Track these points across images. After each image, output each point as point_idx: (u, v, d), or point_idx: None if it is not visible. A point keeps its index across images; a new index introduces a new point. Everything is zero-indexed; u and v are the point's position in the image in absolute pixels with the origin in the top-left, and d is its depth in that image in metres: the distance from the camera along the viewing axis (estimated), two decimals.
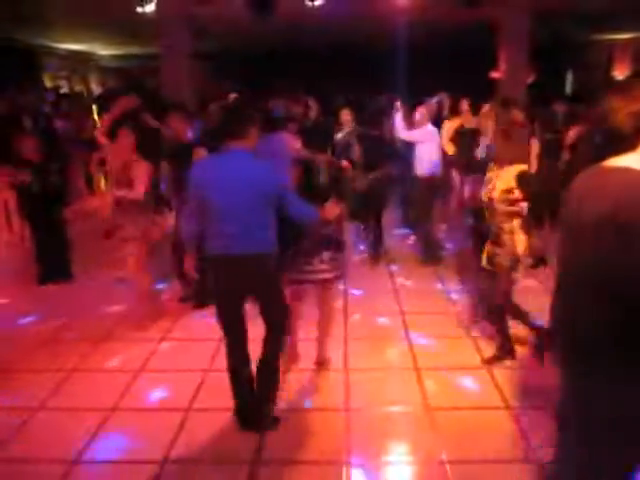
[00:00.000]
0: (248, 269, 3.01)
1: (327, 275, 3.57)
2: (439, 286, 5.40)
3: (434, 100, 7.21)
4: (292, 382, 3.68)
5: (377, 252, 6.13)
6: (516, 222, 3.56)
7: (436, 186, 6.10)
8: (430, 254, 5.97)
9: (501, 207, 3.58)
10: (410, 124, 5.96)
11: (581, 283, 1.72)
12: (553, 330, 1.89)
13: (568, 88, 17.65)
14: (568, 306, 1.80)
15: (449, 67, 14.02)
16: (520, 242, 3.57)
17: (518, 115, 5.12)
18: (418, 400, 3.45)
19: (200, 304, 4.85)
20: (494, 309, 3.91)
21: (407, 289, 5.36)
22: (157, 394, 3.60)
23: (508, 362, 3.84)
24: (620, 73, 15.89)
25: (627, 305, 1.59)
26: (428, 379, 3.69)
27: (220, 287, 3.11)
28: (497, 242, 3.65)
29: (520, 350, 3.95)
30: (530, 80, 11.79)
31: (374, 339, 4.30)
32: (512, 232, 3.57)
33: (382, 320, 4.66)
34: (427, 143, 5.90)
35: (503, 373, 3.73)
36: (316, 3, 6.33)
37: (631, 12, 10.49)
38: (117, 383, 3.72)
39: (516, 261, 3.60)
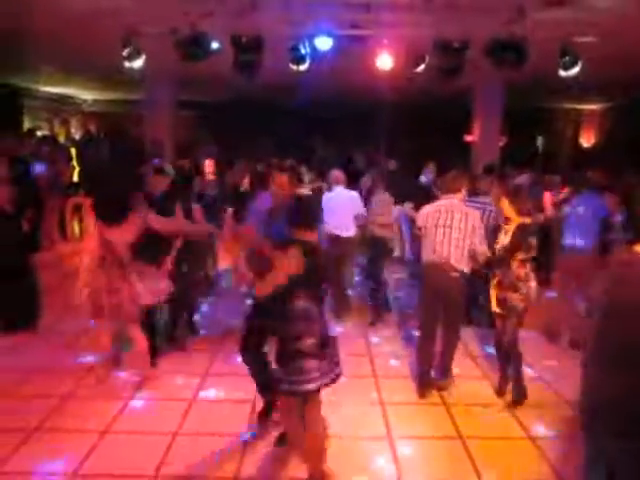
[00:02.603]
0: None
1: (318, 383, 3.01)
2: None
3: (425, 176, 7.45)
4: (261, 455, 3.59)
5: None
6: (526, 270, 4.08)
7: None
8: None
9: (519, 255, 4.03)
10: None
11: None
12: (593, 407, 1.98)
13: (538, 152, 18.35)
14: (615, 383, 1.90)
15: (426, 130, 14.55)
16: (533, 288, 4.10)
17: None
18: (392, 472, 3.39)
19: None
20: (503, 350, 4.30)
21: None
22: (123, 458, 3.46)
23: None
24: (586, 141, 16.65)
25: None
26: (401, 448, 3.63)
27: None
28: (512, 288, 4.05)
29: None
30: (501, 144, 12.24)
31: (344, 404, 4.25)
32: (527, 279, 4.05)
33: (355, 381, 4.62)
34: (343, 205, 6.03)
35: (476, 444, 3.71)
36: (301, 68, 6.53)
37: (597, 86, 11.11)
38: (80, 445, 3.57)
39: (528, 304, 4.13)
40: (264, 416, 3.87)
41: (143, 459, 3.44)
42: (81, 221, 8.30)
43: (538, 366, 4.89)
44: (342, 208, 5.96)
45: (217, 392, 4.36)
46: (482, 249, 4.24)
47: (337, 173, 6.27)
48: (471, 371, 4.88)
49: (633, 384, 1.82)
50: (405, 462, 3.48)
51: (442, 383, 4.46)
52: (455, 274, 4.22)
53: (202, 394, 4.34)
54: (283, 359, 2.98)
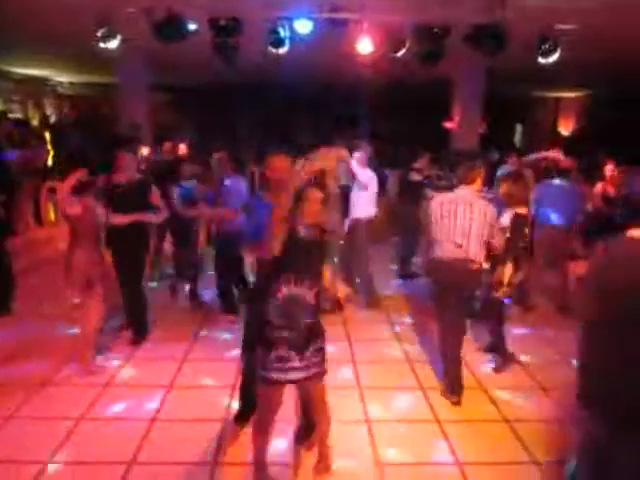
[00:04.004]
0: None
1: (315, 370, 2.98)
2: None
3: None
4: (241, 440, 3.59)
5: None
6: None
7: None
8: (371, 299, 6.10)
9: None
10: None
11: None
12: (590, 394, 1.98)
13: (517, 140, 18.51)
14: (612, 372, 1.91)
15: (406, 115, 14.56)
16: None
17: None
18: (368, 454, 3.42)
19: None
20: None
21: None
22: (100, 444, 3.44)
23: None
24: (565, 129, 16.82)
25: None
26: (378, 431, 3.67)
27: None
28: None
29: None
30: (481, 131, 12.27)
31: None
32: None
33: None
34: (370, 186, 5.98)
35: (454, 427, 3.76)
36: (280, 51, 6.45)
37: (576, 73, 11.20)
38: (57, 432, 3.53)
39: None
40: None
41: (121, 445, 3.42)
42: (55, 205, 8.15)
43: (515, 348, 4.96)
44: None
45: (196, 377, 4.35)
46: (495, 241, 4.05)
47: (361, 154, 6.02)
48: None
49: (631, 375, 1.82)
50: (383, 444, 3.51)
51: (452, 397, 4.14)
52: (473, 266, 4.00)
53: (180, 379, 4.32)
54: (264, 345, 2.87)
